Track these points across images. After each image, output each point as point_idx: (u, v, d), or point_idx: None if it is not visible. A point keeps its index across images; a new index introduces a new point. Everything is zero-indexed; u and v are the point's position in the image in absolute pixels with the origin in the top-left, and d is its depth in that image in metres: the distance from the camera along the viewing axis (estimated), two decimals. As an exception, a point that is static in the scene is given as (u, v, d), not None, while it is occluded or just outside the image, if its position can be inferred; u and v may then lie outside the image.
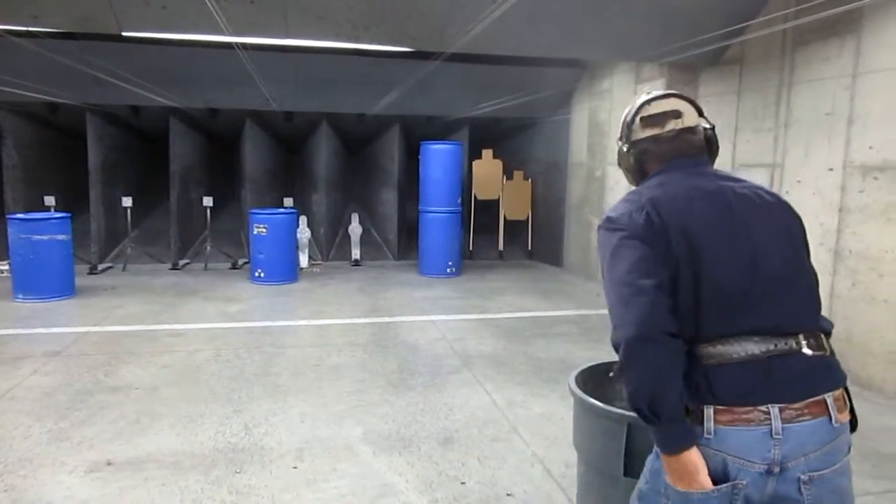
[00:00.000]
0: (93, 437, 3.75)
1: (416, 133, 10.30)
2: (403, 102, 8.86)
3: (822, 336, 1.55)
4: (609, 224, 1.64)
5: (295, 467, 3.44)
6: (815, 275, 1.65)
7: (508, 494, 3.21)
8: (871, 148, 4.69)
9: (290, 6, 5.45)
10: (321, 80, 8.84)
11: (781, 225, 1.64)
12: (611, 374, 2.49)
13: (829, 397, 1.49)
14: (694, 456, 1.45)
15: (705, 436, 1.46)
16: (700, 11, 5.64)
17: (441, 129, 10.52)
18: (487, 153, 10.51)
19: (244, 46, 6.63)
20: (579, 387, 2.32)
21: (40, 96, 7.84)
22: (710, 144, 1.79)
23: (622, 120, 1.86)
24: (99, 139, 9.39)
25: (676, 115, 1.77)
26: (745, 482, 1.44)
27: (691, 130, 1.77)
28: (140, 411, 4.15)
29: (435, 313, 7.03)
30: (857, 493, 3.30)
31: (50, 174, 9.73)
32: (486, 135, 10.68)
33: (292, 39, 6.34)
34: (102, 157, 9.48)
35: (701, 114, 1.81)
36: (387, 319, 6.73)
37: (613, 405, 2.23)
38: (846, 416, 1.53)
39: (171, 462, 3.46)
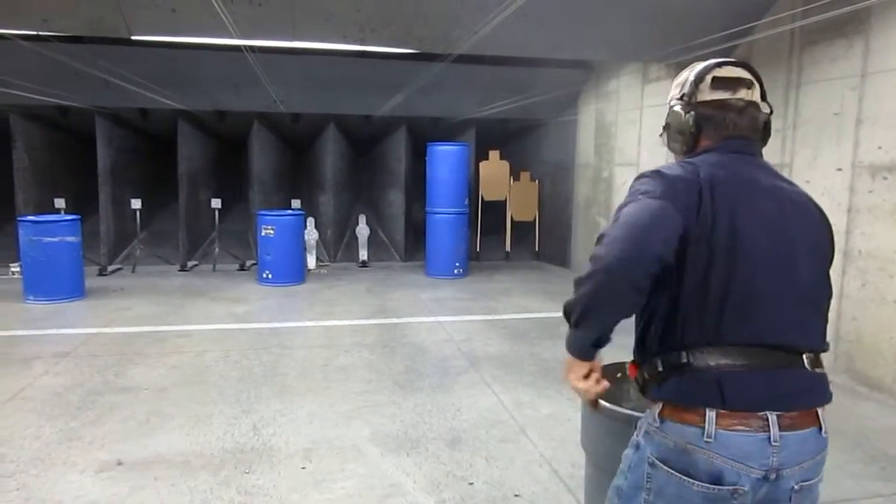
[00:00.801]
0: (103, 437, 3.77)
1: (423, 134, 10.31)
2: (410, 104, 8.88)
3: (821, 356, 1.56)
4: (656, 177, 1.52)
5: (303, 467, 3.45)
6: (831, 294, 1.62)
7: (516, 495, 3.21)
8: (879, 148, 4.67)
9: (297, 8, 5.47)
10: (328, 81, 8.87)
11: (817, 240, 1.58)
12: (619, 375, 2.50)
13: (819, 410, 1.51)
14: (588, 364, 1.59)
15: (704, 439, 1.43)
16: (706, 12, 5.63)
17: (448, 131, 10.53)
18: (494, 154, 10.52)
19: (251, 49, 6.66)
20: (587, 387, 2.31)
21: (50, 99, 7.90)
22: (765, 130, 1.67)
23: (681, 80, 1.69)
24: (108, 142, 9.45)
25: (749, 84, 1.63)
26: (746, 488, 1.43)
27: (757, 107, 1.64)
28: (149, 411, 4.18)
29: (442, 314, 7.03)
30: (866, 496, 3.31)
31: (60, 176, 9.81)
32: (493, 136, 10.69)
33: (299, 42, 6.37)
34: (112, 160, 9.54)
35: (764, 96, 1.68)
36: (394, 320, 6.74)
37: (622, 406, 2.23)
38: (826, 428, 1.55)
39: (181, 462, 3.48)
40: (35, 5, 5.35)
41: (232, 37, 5.57)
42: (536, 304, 7.49)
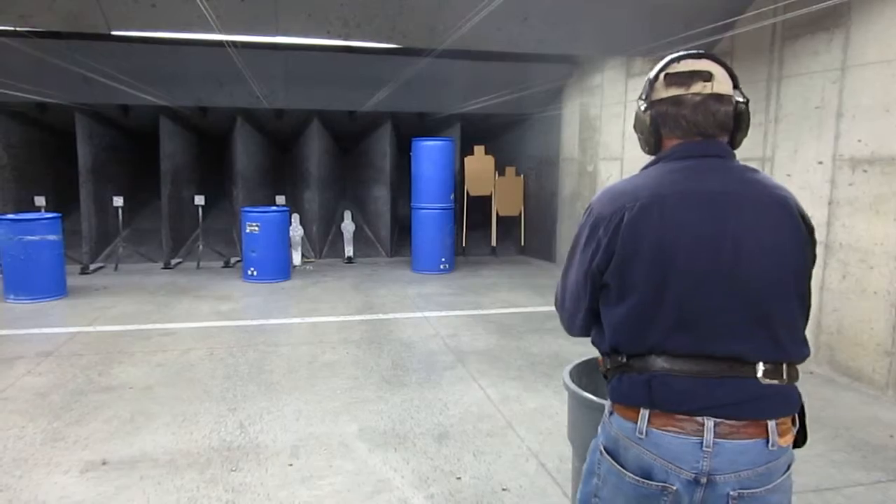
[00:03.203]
0: (87, 437, 3.74)
1: (408, 130, 10.29)
2: (394, 99, 8.85)
3: (785, 366, 1.48)
4: (586, 218, 1.61)
5: (290, 465, 3.44)
6: (804, 300, 1.55)
7: (504, 489, 3.22)
8: (859, 141, 4.73)
9: (280, 4, 5.43)
10: (312, 77, 8.82)
11: (778, 246, 1.50)
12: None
13: (771, 423, 1.45)
14: None
15: (637, 434, 1.48)
16: (689, 6, 5.67)
17: (432, 126, 10.51)
18: (479, 149, 10.52)
19: (234, 44, 6.61)
20: (573, 381, 2.34)
21: (29, 96, 7.79)
22: (738, 120, 1.59)
23: (646, 78, 1.65)
24: (89, 138, 9.34)
25: (706, 77, 1.54)
26: (675, 486, 1.45)
27: (719, 98, 1.55)
28: (134, 410, 4.15)
29: (428, 310, 7.04)
30: (847, 484, 3.36)
31: (40, 174, 9.68)
32: (478, 131, 10.69)
33: (283, 37, 6.32)
34: (92, 157, 9.43)
35: (736, 84, 1.60)
36: (380, 316, 6.74)
37: (607, 399, 2.24)
38: (788, 440, 1.50)
39: (167, 461, 3.46)
40: (13, 1, 5.27)
41: (214, 32, 5.52)
42: (522, 299, 7.52)
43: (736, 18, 5.66)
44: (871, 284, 4.63)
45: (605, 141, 8.40)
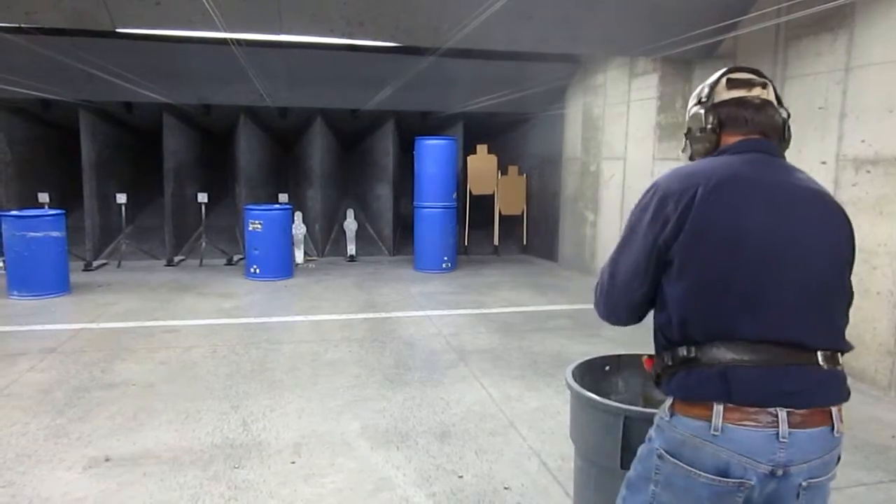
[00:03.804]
0: (90, 434, 3.75)
1: (411, 128, 10.29)
2: (397, 98, 8.85)
3: (839, 355, 1.54)
4: (651, 195, 1.60)
5: (293, 462, 3.45)
6: (851, 294, 1.63)
7: (506, 488, 3.23)
8: (863, 141, 4.72)
9: (283, 2, 5.44)
10: (315, 75, 8.82)
11: (834, 241, 1.59)
12: (607, 368, 2.52)
13: (833, 409, 1.50)
14: None
15: (711, 432, 1.45)
16: (692, 6, 5.66)
17: (435, 125, 10.51)
18: (482, 148, 10.52)
19: (238, 42, 6.61)
20: (576, 380, 2.33)
21: (33, 93, 7.80)
22: (785, 130, 1.71)
23: (697, 92, 1.76)
24: (92, 135, 9.36)
25: (763, 84, 1.69)
26: (752, 482, 1.44)
27: (774, 105, 1.68)
28: (137, 407, 4.16)
29: (431, 308, 7.05)
30: (849, 484, 3.36)
31: (43, 171, 9.70)
32: (481, 130, 10.68)
33: (286, 35, 6.33)
34: (96, 154, 9.45)
35: (780, 102, 1.73)
36: (383, 315, 6.75)
37: (610, 399, 2.25)
38: (843, 427, 1.53)
39: (170, 458, 3.47)
40: (18, -2, 5.28)
41: (218, 30, 5.52)
42: (524, 298, 7.52)
43: (739, 19, 5.65)
44: (875, 285, 4.63)
45: (608, 140, 8.40)
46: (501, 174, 10.60)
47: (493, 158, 10.52)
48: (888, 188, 4.54)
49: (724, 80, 1.70)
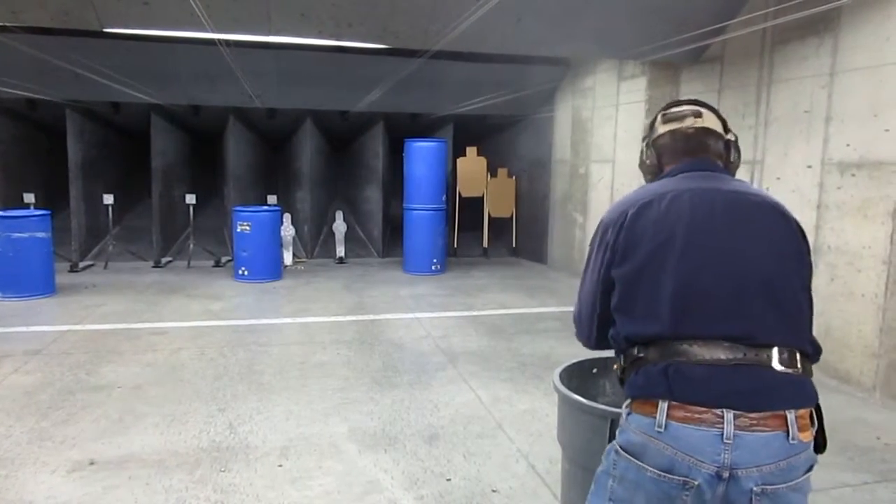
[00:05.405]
0: (75, 437, 3.72)
1: (401, 130, 10.28)
2: (387, 100, 8.84)
3: (799, 354, 1.54)
4: (596, 231, 1.78)
5: (280, 465, 3.43)
6: (808, 297, 1.64)
7: (494, 490, 3.23)
8: (848, 145, 4.77)
9: (273, 3, 5.42)
10: (304, 77, 8.80)
11: (775, 238, 1.63)
12: (594, 371, 2.53)
13: (790, 413, 1.47)
14: None
15: (656, 428, 1.49)
16: (681, 10, 5.69)
17: (425, 127, 10.51)
18: (472, 150, 10.52)
19: (227, 43, 6.58)
20: (564, 383, 2.34)
21: (19, 92, 7.72)
22: (729, 150, 1.85)
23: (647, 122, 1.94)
24: (79, 136, 9.28)
25: (696, 114, 1.83)
26: (697, 481, 1.45)
27: (709, 131, 1.82)
28: (123, 410, 4.12)
29: (420, 311, 7.04)
30: (834, 485, 3.38)
31: (29, 171, 9.60)
32: (471, 132, 10.69)
33: (275, 36, 6.30)
34: (83, 154, 9.37)
35: (726, 128, 1.87)
36: (372, 317, 6.73)
37: (597, 401, 2.25)
38: (808, 436, 1.51)
39: (155, 461, 3.45)
40: (3, -3, 5.23)
41: (206, 30, 5.49)
42: (514, 301, 7.53)
43: (727, 23, 5.69)
44: (859, 287, 4.67)
45: (597, 143, 8.43)
46: (491, 176, 10.61)
47: (483, 161, 10.54)
48: (873, 191, 4.58)
49: (659, 116, 1.89)
